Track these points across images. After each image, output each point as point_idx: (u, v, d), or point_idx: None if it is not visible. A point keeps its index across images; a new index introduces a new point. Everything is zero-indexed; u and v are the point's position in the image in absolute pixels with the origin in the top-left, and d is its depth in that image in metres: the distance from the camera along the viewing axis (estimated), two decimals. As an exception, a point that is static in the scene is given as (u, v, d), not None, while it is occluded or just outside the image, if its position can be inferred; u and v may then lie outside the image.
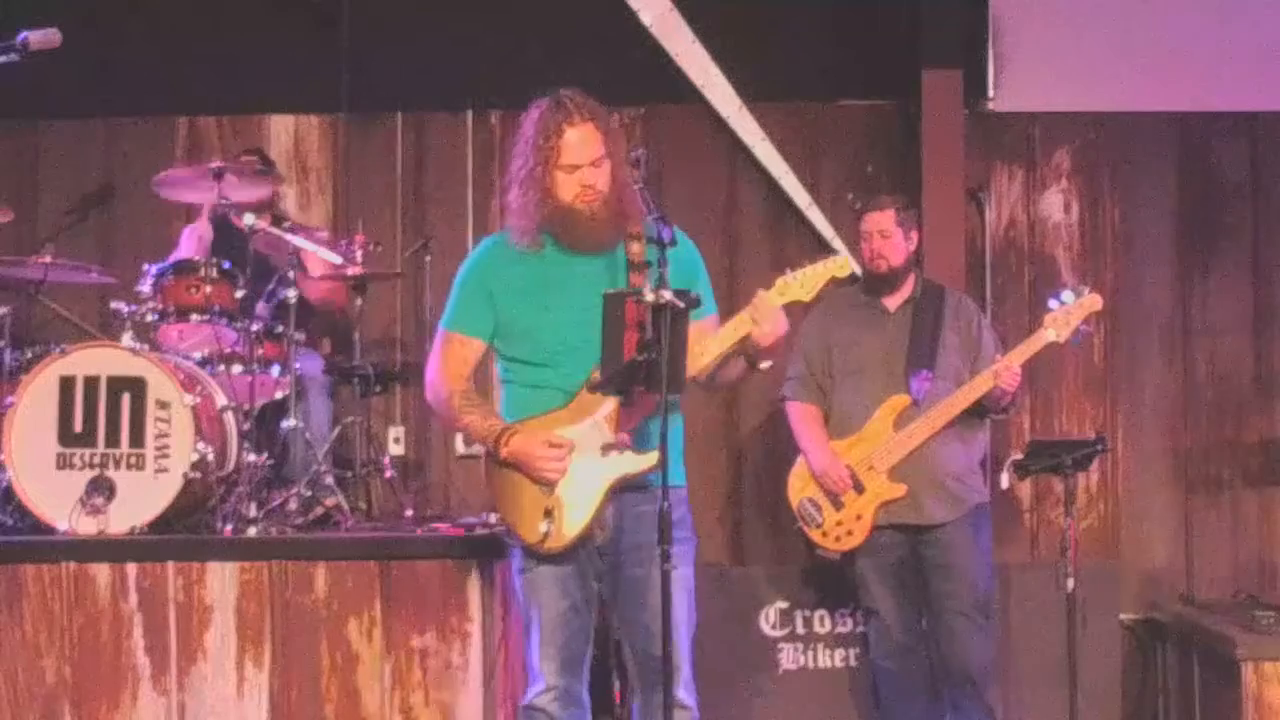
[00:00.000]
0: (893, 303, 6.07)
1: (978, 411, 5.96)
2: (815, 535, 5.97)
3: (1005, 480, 6.07)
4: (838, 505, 5.92)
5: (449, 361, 4.56)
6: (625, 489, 4.35)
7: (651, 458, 4.25)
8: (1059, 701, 5.90)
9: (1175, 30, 7.23)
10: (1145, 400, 7.35)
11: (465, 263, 4.63)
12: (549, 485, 4.35)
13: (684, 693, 4.43)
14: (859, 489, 5.88)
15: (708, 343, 4.38)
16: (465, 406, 4.53)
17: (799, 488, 6.02)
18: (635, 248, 4.37)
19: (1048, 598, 6.09)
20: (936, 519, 5.88)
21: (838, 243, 7.14)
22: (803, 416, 6.08)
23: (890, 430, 5.89)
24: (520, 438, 4.37)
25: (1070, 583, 5.76)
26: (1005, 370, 5.79)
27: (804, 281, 4.42)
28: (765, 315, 4.32)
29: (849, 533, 5.92)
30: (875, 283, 6.07)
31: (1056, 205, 7.41)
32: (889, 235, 6.00)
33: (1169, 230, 7.39)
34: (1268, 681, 5.87)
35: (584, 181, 4.38)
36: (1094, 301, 5.86)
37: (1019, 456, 6.11)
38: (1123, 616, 7.00)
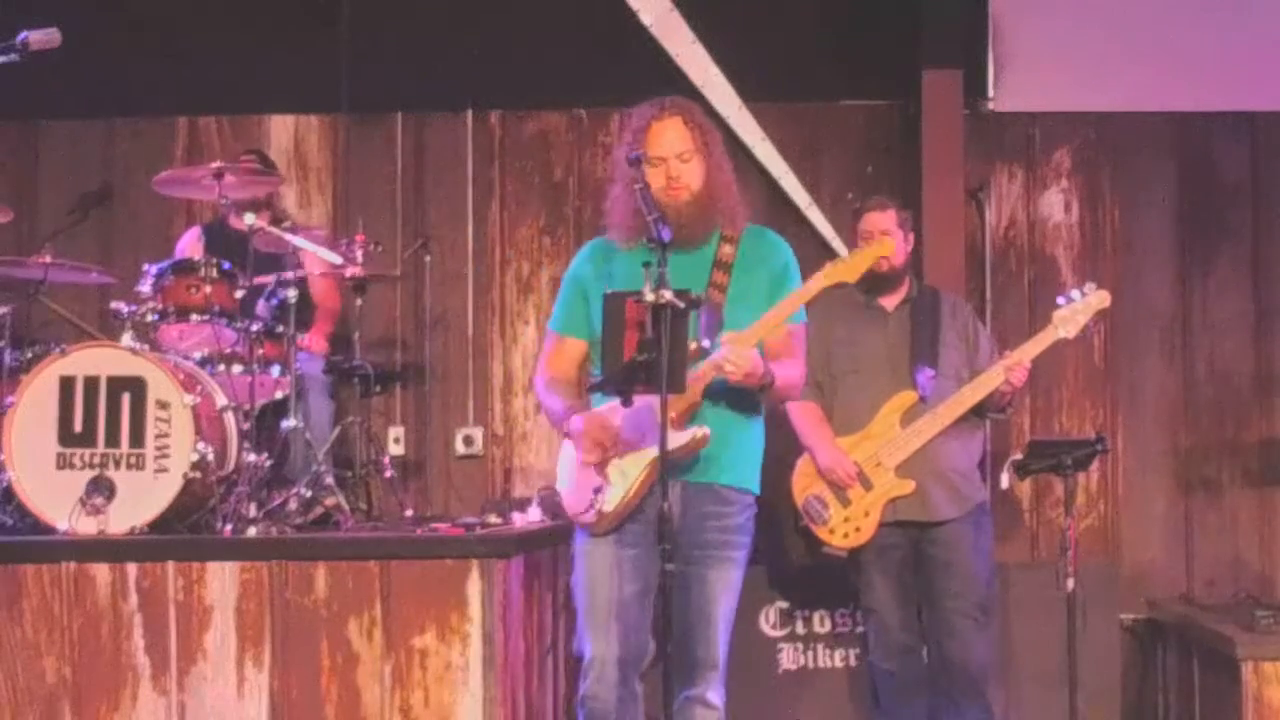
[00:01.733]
0: (890, 302, 6.07)
1: (976, 410, 5.97)
2: (822, 533, 5.96)
3: (1005, 480, 6.08)
4: (845, 502, 5.91)
5: (551, 358, 4.71)
6: (683, 479, 4.38)
7: (688, 433, 4.30)
8: (1059, 701, 5.93)
9: (1175, 30, 7.25)
10: (1145, 400, 7.36)
11: (572, 261, 4.76)
12: (594, 464, 4.40)
13: (714, 693, 4.50)
14: (867, 486, 5.88)
15: None
16: (551, 391, 4.63)
17: (804, 486, 6.00)
18: (726, 249, 4.45)
19: (1047, 598, 6.10)
20: (943, 515, 5.89)
21: (837, 243, 7.18)
22: (805, 414, 6.05)
23: (897, 427, 5.89)
24: (578, 418, 4.44)
25: (1070, 583, 5.77)
26: (1016, 365, 5.81)
27: (851, 264, 4.52)
28: (732, 357, 4.31)
29: (857, 529, 5.91)
30: (875, 282, 6.05)
31: (1056, 205, 7.43)
32: (890, 235, 6.00)
33: (1169, 230, 7.40)
34: (1268, 682, 5.88)
35: (670, 174, 4.44)
36: (1102, 299, 5.87)
37: (1019, 456, 6.13)
38: (1122, 616, 7.02)
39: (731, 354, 4.28)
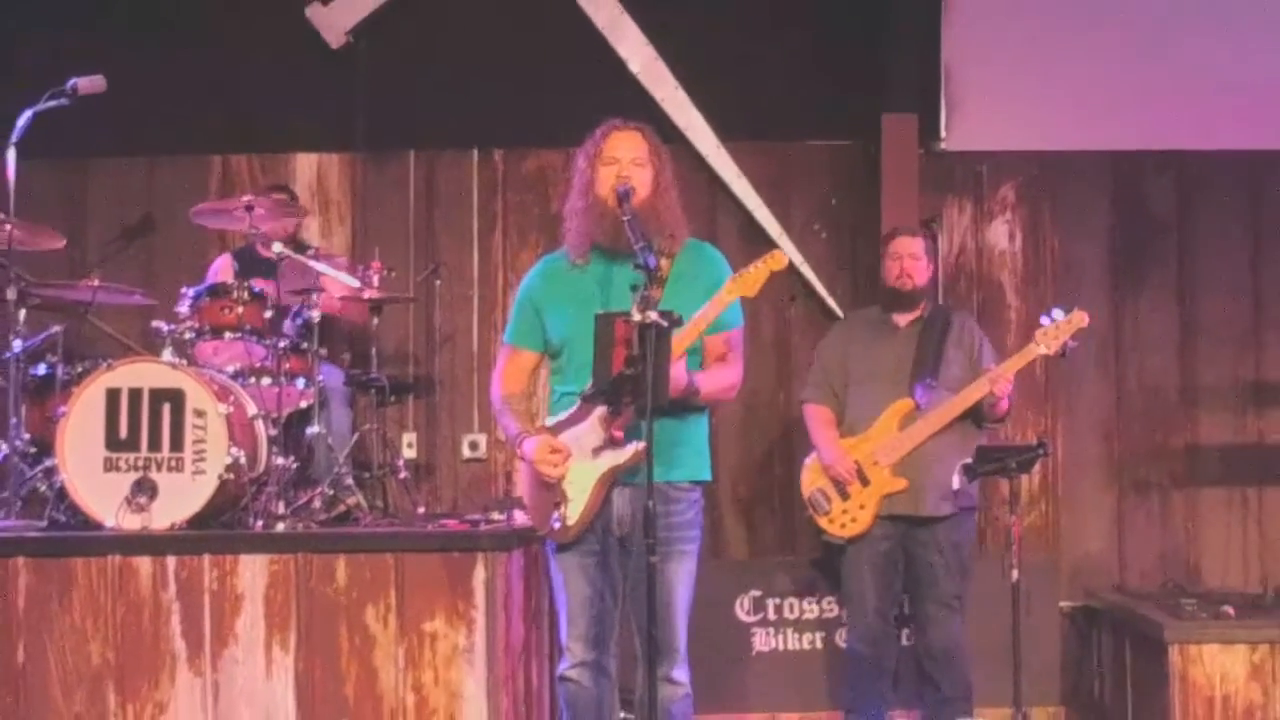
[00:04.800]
0: (903, 320, 6.13)
1: (975, 421, 6.00)
2: (823, 522, 6.04)
3: (956, 482, 6.10)
4: (844, 496, 5.97)
5: (506, 370, 4.67)
6: (634, 482, 4.36)
7: (629, 449, 4.31)
8: (1005, 681, 5.92)
9: (1108, 77, 7.26)
10: (1082, 410, 7.38)
11: (524, 278, 4.69)
12: (552, 483, 4.40)
13: (679, 672, 4.48)
14: (864, 482, 5.94)
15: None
16: (505, 409, 4.62)
17: (810, 480, 6.09)
18: (663, 263, 4.31)
19: (995, 587, 6.09)
20: (932, 512, 5.93)
21: (805, 269, 7.22)
22: (817, 416, 6.16)
23: (895, 430, 5.94)
24: (530, 442, 4.44)
25: (1015, 574, 5.77)
26: (999, 378, 5.84)
27: (747, 280, 4.41)
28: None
29: (853, 520, 5.97)
30: (897, 299, 6.13)
31: (1002, 235, 7.45)
32: (918, 258, 6.09)
33: (1103, 257, 7.43)
34: (1192, 662, 5.90)
35: (620, 173, 4.40)
36: (1080, 319, 5.86)
37: (968, 461, 6.14)
38: (1062, 604, 7.04)
39: None
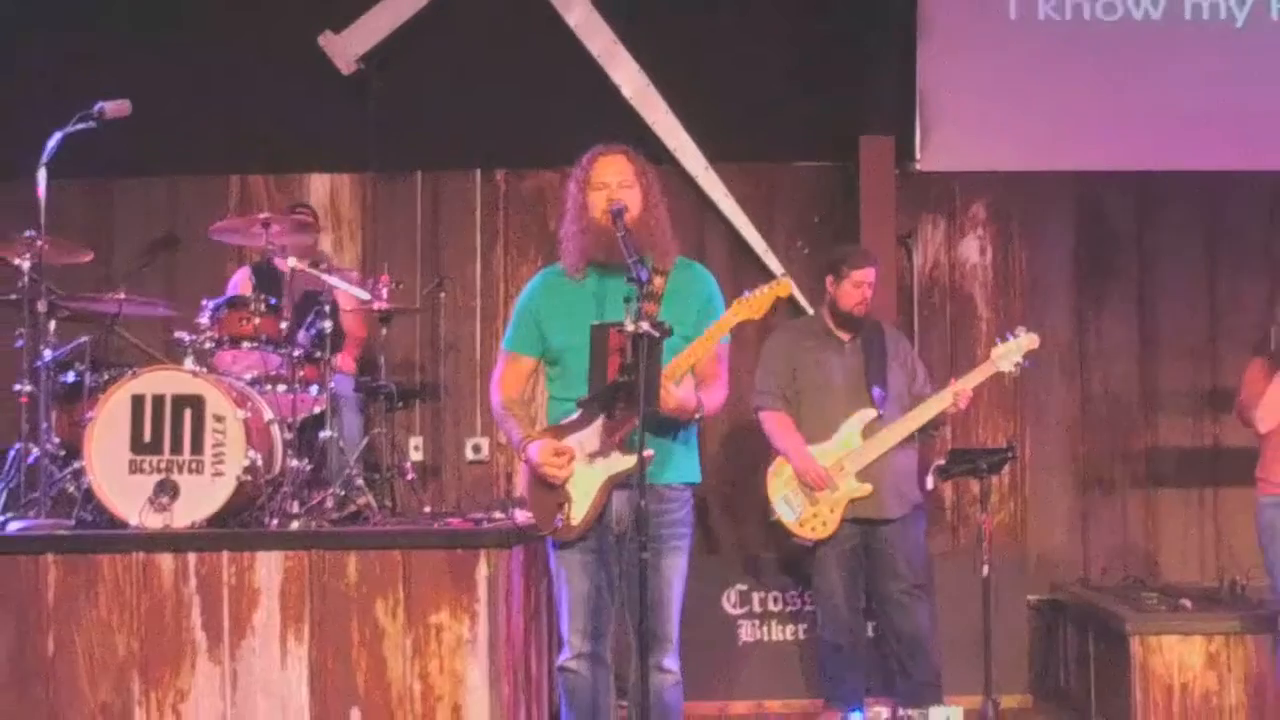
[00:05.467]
0: (845, 335, 6.15)
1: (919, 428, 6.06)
2: (792, 525, 6.04)
3: (930, 482, 6.14)
4: (813, 500, 5.99)
5: (505, 375, 4.64)
6: (623, 487, 4.38)
7: (634, 459, 4.26)
8: (976, 670, 5.97)
9: (1073, 102, 7.32)
10: (1049, 414, 7.44)
11: (524, 289, 4.68)
12: (556, 485, 4.41)
13: (670, 660, 4.49)
14: (832, 487, 5.96)
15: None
16: (507, 416, 4.60)
17: (777, 485, 6.08)
18: (657, 280, 4.32)
19: (966, 582, 6.15)
20: (891, 514, 5.98)
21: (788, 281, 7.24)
22: (779, 422, 6.13)
23: (859, 438, 5.98)
24: (534, 446, 4.43)
25: (985, 569, 5.83)
26: (962, 392, 5.90)
27: (753, 304, 4.42)
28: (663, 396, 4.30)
29: (824, 524, 6.00)
30: (850, 321, 6.14)
31: (973, 250, 7.50)
32: (873, 286, 6.13)
33: (1068, 271, 7.48)
34: (1152, 652, 5.95)
35: (610, 196, 4.40)
36: (1032, 340, 5.97)
37: (941, 462, 6.19)
38: (1030, 597, 7.08)
39: (664, 395, 4.27)
